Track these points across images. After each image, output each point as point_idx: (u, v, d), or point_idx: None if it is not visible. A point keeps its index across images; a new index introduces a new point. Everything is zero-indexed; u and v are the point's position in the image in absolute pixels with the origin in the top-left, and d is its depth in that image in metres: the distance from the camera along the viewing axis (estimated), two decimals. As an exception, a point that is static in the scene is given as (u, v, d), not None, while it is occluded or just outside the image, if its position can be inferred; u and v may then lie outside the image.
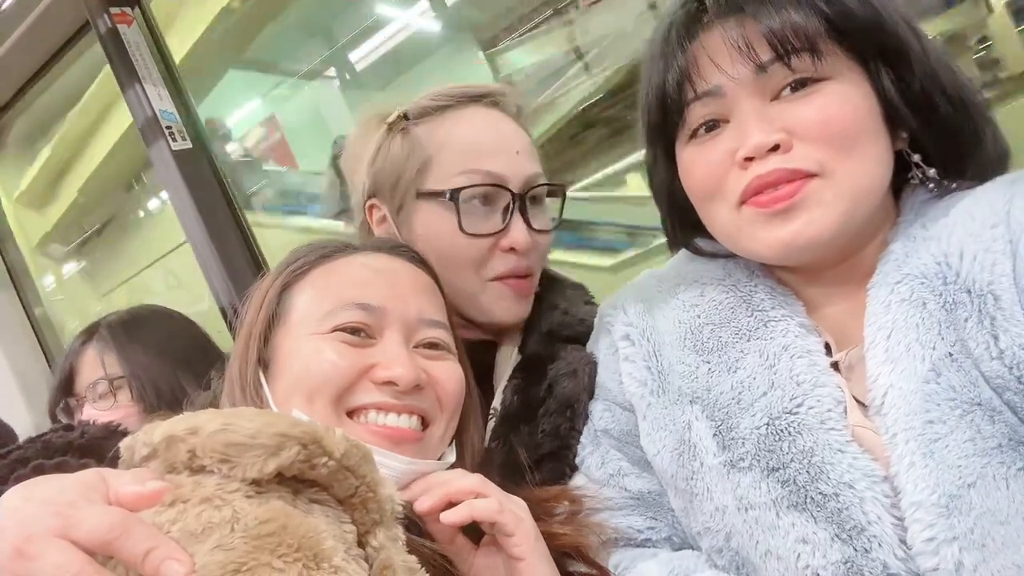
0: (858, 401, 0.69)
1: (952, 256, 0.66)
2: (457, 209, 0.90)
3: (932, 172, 0.72)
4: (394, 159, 0.94)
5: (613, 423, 0.85)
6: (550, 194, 0.99)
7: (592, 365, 0.90)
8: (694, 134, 0.74)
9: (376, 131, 0.97)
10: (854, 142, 0.67)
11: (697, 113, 0.72)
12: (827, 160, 0.67)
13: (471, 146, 0.93)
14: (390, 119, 0.96)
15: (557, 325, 0.98)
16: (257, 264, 1.71)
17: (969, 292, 0.64)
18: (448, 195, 0.91)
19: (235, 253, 1.66)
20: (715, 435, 0.73)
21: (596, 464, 0.86)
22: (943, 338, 0.64)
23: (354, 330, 0.73)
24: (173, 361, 1.28)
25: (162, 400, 1.23)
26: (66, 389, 1.28)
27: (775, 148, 0.67)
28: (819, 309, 0.76)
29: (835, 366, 0.71)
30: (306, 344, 0.73)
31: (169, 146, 1.63)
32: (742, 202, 0.70)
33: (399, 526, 0.58)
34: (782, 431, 0.69)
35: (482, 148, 0.93)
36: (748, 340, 0.75)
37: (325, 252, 0.80)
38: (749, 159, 0.68)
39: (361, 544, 0.55)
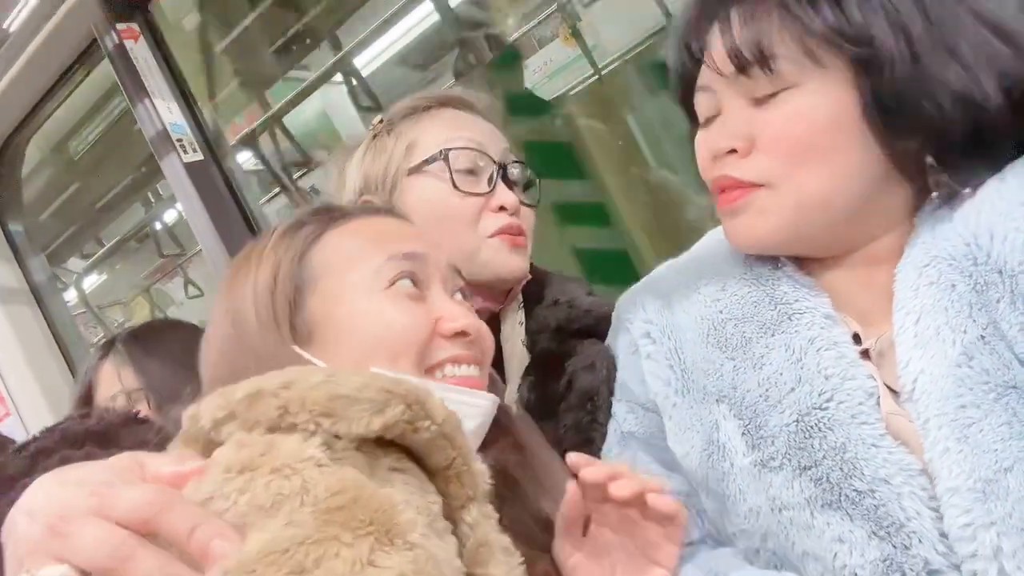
0: (891, 389, 0.68)
1: (982, 236, 0.66)
2: (449, 168, 0.95)
3: (944, 177, 0.71)
4: (382, 152, 1.01)
5: (638, 425, 0.84)
6: (526, 186, 1.05)
7: (610, 359, 0.90)
8: (704, 122, 0.77)
9: (348, 158, 1.05)
10: (807, 154, 0.69)
11: (701, 105, 0.76)
12: (774, 172, 0.70)
13: (452, 123, 1.01)
14: (373, 125, 1.03)
15: (565, 320, 0.99)
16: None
17: (1000, 272, 0.64)
18: (440, 154, 0.96)
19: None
20: (744, 434, 0.71)
21: None
22: (975, 320, 0.64)
23: (413, 281, 0.72)
24: (189, 371, 1.29)
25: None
26: (86, 403, 1.30)
27: (733, 151, 0.71)
28: (845, 296, 0.74)
29: (866, 354, 0.70)
30: (370, 303, 0.70)
31: (180, 158, 1.64)
32: (715, 192, 0.75)
33: (490, 504, 0.56)
34: (812, 427, 0.67)
35: (462, 124, 1.01)
36: (773, 335, 0.73)
37: (334, 215, 0.78)
38: (716, 158, 0.73)
39: (453, 520, 0.53)
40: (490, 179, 0.97)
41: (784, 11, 0.68)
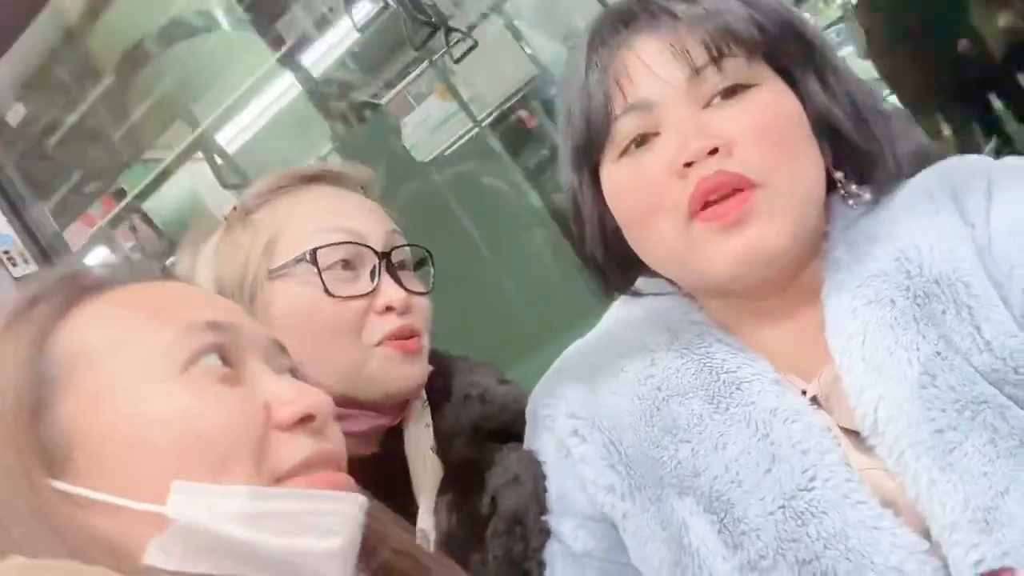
0: (849, 432, 0.61)
1: (908, 250, 0.63)
2: (318, 270, 0.79)
3: (854, 187, 0.69)
4: (237, 248, 0.84)
5: (593, 542, 0.70)
6: (417, 265, 0.91)
7: (536, 465, 0.77)
8: (624, 151, 0.68)
9: (197, 254, 0.87)
10: (793, 148, 0.65)
11: (626, 127, 0.67)
12: (767, 167, 0.63)
13: (322, 209, 0.85)
14: (225, 214, 0.86)
15: (479, 418, 0.85)
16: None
17: (938, 283, 0.61)
18: (307, 256, 0.80)
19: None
20: (720, 532, 0.61)
21: None
22: (924, 336, 0.60)
23: (222, 357, 0.52)
24: None
25: None
26: None
27: (714, 152, 0.63)
28: (779, 352, 0.67)
29: (814, 400, 0.64)
30: (158, 399, 0.49)
31: (10, 273, 1.41)
32: (692, 215, 0.64)
33: None
34: (803, 513, 0.58)
35: (333, 209, 0.85)
36: (727, 408, 0.65)
37: (87, 283, 0.56)
38: (688, 164, 0.63)
39: None
40: (372, 273, 0.82)
41: (744, 10, 0.66)
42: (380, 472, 0.85)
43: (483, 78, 3.12)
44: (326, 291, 0.79)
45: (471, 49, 2.55)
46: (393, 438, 0.86)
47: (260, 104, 2.61)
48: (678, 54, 0.65)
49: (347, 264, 0.82)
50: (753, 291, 0.68)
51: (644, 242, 0.70)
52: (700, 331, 0.71)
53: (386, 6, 2.46)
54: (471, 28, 2.96)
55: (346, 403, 0.81)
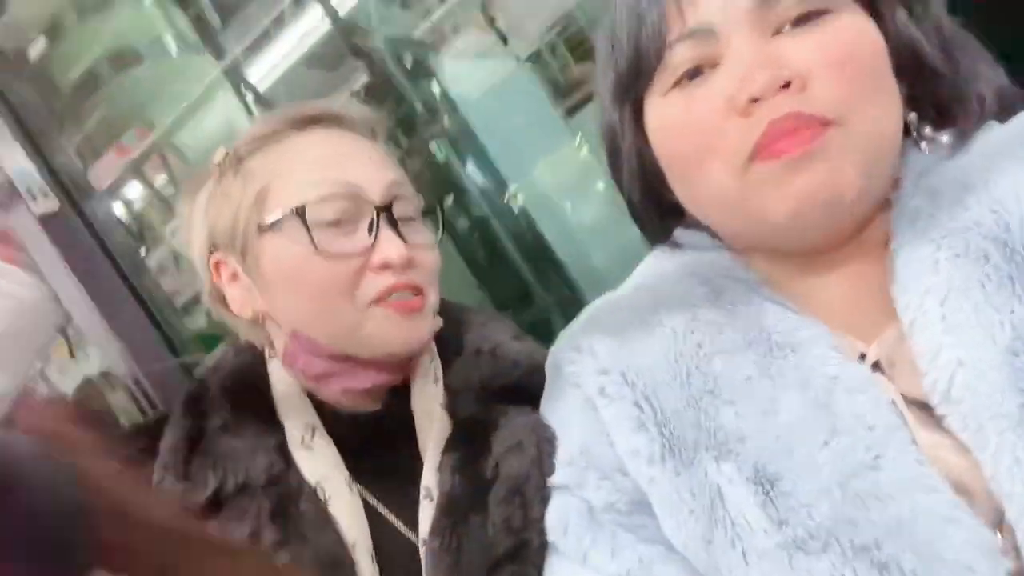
0: (912, 403, 0.56)
1: (1008, 200, 0.57)
2: (306, 227, 0.76)
3: (929, 130, 0.64)
4: (228, 198, 0.80)
5: (617, 495, 0.65)
6: (425, 213, 0.86)
7: (543, 431, 0.73)
8: (676, 83, 0.62)
9: (193, 201, 0.85)
10: (874, 84, 0.59)
11: (681, 56, 0.61)
12: (845, 104, 0.57)
13: (315, 159, 0.80)
14: (217, 159, 0.83)
15: (489, 375, 0.82)
16: (160, 330, 1.48)
17: None
18: (293, 211, 0.76)
19: (129, 322, 1.43)
20: (764, 505, 0.55)
21: (605, 558, 0.65)
22: (1021, 299, 0.54)
23: None
24: None
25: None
26: None
27: (786, 86, 0.57)
28: (824, 302, 0.63)
29: (874, 367, 0.59)
30: None
31: (30, 209, 1.37)
32: (752, 158, 0.58)
33: None
34: (865, 495, 0.53)
35: (327, 159, 0.80)
36: (780, 372, 0.59)
37: None
38: (754, 101, 0.57)
39: None
40: (370, 227, 0.77)
41: None
42: (384, 429, 0.82)
43: (523, 8, 2.98)
44: (315, 249, 0.74)
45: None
46: (399, 393, 0.83)
47: (290, 39, 2.52)
48: None
49: (340, 219, 0.76)
50: (811, 243, 0.62)
51: (690, 187, 0.65)
52: (747, 288, 0.66)
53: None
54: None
55: (345, 359, 0.77)
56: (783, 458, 0.56)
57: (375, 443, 0.81)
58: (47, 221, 1.39)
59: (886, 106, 0.60)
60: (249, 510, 0.74)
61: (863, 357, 0.60)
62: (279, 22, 2.46)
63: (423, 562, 0.72)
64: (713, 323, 0.64)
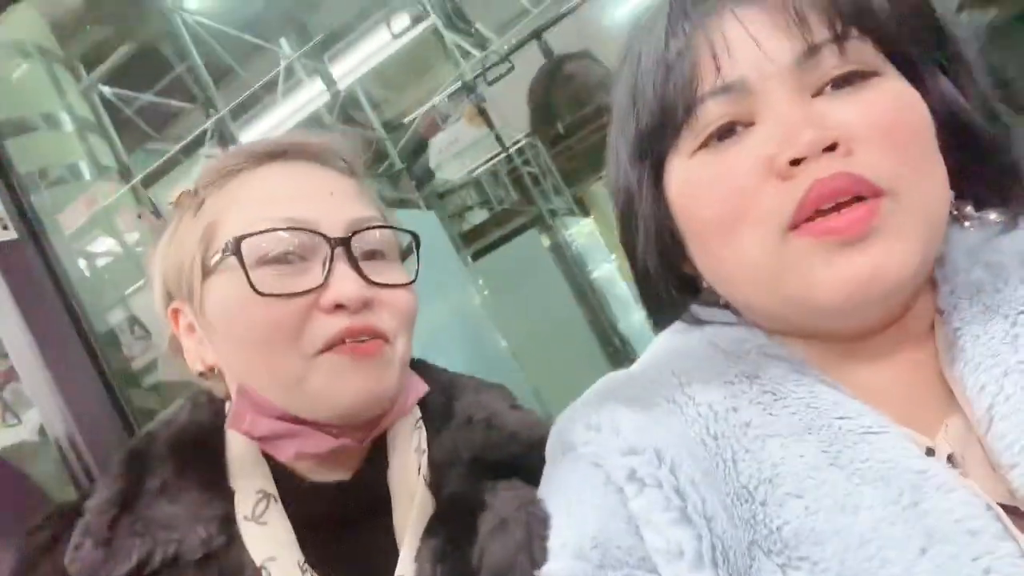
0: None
1: None
2: (242, 264, 0.66)
3: (970, 208, 0.60)
4: (181, 241, 0.73)
5: None
6: (404, 255, 0.76)
7: (532, 508, 0.62)
8: (704, 143, 0.57)
9: (155, 249, 0.76)
10: (923, 154, 0.54)
11: (713, 112, 0.56)
12: (896, 174, 0.52)
13: (265, 194, 0.71)
14: (174, 198, 0.76)
15: (481, 447, 0.71)
16: (111, 392, 1.33)
17: None
18: (227, 246, 0.67)
19: (78, 378, 1.28)
20: None
21: None
22: None
23: None
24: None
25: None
26: None
27: (831, 149, 0.51)
28: (872, 392, 0.56)
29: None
30: None
31: (-12, 239, 1.25)
32: (793, 226, 0.52)
33: None
34: None
35: (278, 193, 0.71)
36: (851, 463, 0.51)
37: None
38: (796, 162, 0.52)
39: None
40: (324, 261, 0.67)
41: None
42: (352, 503, 0.70)
43: (512, 105, 3.03)
44: (251, 287, 0.65)
45: (507, 72, 2.44)
46: (373, 462, 0.72)
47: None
48: (793, 25, 0.54)
49: (287, 256, 0.67)
50: (856, 328, 0.56)
51: (717, 258, 0.58)
52: (791, 368, 0.58)
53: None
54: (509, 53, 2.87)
55: (295, 420, 0.67)
56: (876, 567, 0.47)
57: (341, 519, 0.70)
58: (2, 249, 1.27)
59: (936, 178, 0.55)
60: None
61: (930, 452, 0.53)
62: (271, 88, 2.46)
63: None
64: (758, 402, 0.56)
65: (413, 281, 0.73)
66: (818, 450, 0.52)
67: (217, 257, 0.68)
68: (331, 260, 0.67)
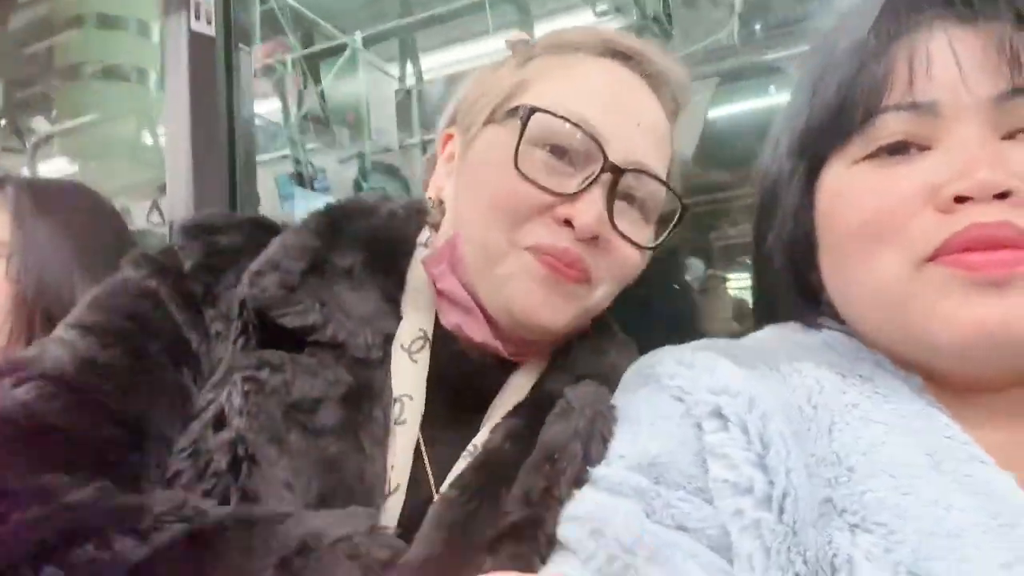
0: None
1: None
2: (522, 132, 0.65)
3: None
4: (495, 79, 0.72)
5: (697, 517, 0.51)
6: (663, 219, 0.72)
7: (601, 404, 0.61)
8: (873, 154, 0.55)
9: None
10: None
11: (892, 127, 0.54)
12: None
13: (581, 87, 0.69)
14: (513, 39, 0.75)
15: (595, 372, 0.69)
16: (232, 198, 1.42)
17: None
18: (521, 111, 0.66)
19: (211, 172, 1.38)
20: None
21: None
22: None
23: None
24: (75, 252, 1.05)
25: (42, 294, 1.01)
26: None
27: (1002, 196, 0.49)
28: (983, 444, 0.53)
29: None
30: None
31: (188, 23, 1.36)
32: (932, 258, 0.51)
33: None
34: None
35: (592, 94, 0.68)
36: (953, 471, 0.49)
37: None
38: (962, 200, 0.50)
39: None
40: (588, 178, 0.65)
41: None
42: (478, 383, 0.71)
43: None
44: (515, 160, 0.65)
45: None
46: (509, 363, 0.72)
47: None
48: (1004, 57, 0.51)
49: (566, 152, 0.66)
50: (972, 376, 0.53)
51: (850, 271, 0.56)
52: (906, 385, 0.56)
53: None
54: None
55: (474, 299, 0.68)
56: (953, 558, 0.45)
57: (460, 388, 0.70)
58: (196, 41, 1.38)
59: None
60: (324, 373, 0.64)
61: None
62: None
63: (428, 515, 0.60)
64: (868, 396, 0.54)
65: (651, 249, 0.71)
66: (921, 451, 0.51)
67: (507, 112, 0.69)
68: (593, 180, 0.65)
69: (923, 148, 0.54)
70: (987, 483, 0.49)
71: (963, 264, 0.49)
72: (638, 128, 0.68)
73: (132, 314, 0.65)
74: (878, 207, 0.54)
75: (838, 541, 0.47)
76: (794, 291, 0.64)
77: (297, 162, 3.15)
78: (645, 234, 0.71)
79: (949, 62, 0.53)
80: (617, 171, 0.66)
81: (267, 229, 0.73)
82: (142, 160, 3.28)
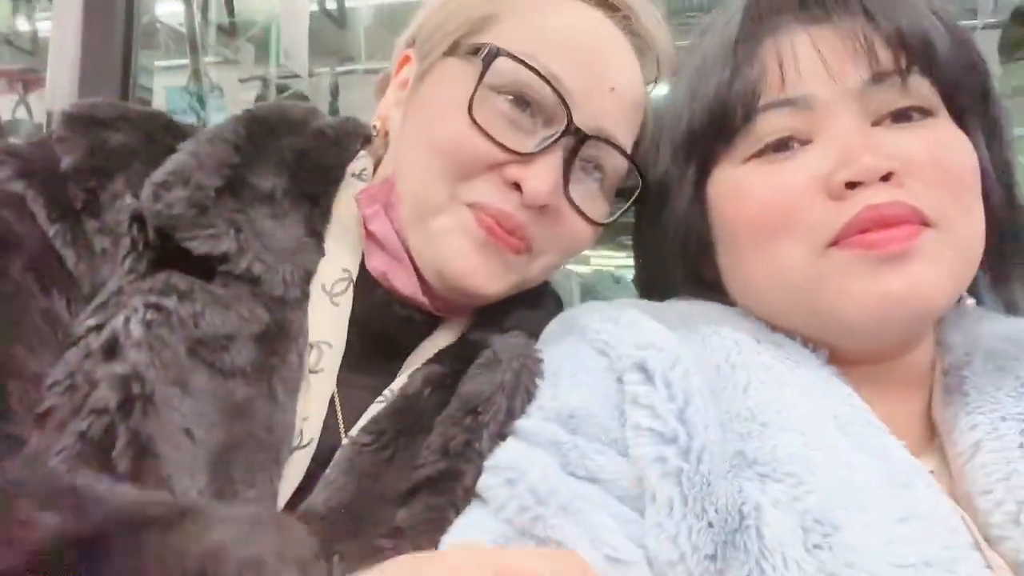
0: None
1: None
2: (481, 75, 0.60)
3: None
4: (460, 5, 0.66)
5: (611, 470, 0.52)
6: (620, 192, 0.68)
7: (526, 359, 0.59)
8: (758, 153, 0.58)
9: None
10: (971, 195, 0.56)
11: (771, 125, 0.57)
12: (945, 208, 0.54)
13: (557, 36, 0.63)
14: None
15: (524, 326, 0.66)
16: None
17: None
18: (483, 52, 0.61)
19: (103, 71, 1.25)
20: (816, 549, 0.47)
21: (570, 534, 0.51)
22: None
23: None
24: None
25: None
26: None
27: (887, 177, 0.53)
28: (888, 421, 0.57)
29: None
30: None
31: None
32: (833, 243, 0.54)
33: None
34: None
35: (568, 47, 0.62)
36: (857, 434, 0.53)
37: None
38: (852, 185, 0.53)
39: None
40: (547, 139, 0.61)
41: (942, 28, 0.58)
42: (399, 328, 0.66)
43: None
44: (469, 106, 0.59)
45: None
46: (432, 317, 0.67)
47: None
48: (862, 51, 0.55)
49: (527, 103, 0.61)
50: (874, 349, 0.58)
51: (750, 265, 0.59)
52: (812, 357, 0.58)
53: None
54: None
55: (403, 250, 0.63)
56: (854, 510, 0.48)
57: (380, 334, 0.65)
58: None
59: (978, 222, 0.57)
60: (237, 307, 0.57)
61: None
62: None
63: (336, 459, 0.57)
64: (781, 361, 0.56)
65: (603, 225, 0.67)
66: (829, 413, 0.54)
67: (469, 49, 0.63)
68: (553, 143, 0.60)
69: (804, 142, 0.57)
70: (883, 447, 0.53)
71: (864, 244, 0.53)
72: (611, 93, 0.64)
73: None
74: (773, 201, 0.56)
75: (747, 490, 0.49)
76: (689, 282, 0.66)
77: (196, 73, 2.92)
78: (601, 208, 0.67)
79: (814, 58, 0.56)
80: (581, 137, 0.62)
81: (171, 131, 0.63)
82: (15, 46, 2.95)
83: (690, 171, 0.63)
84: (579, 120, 0.61)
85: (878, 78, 0.55)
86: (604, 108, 0.63)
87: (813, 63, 0.56)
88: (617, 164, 0.65)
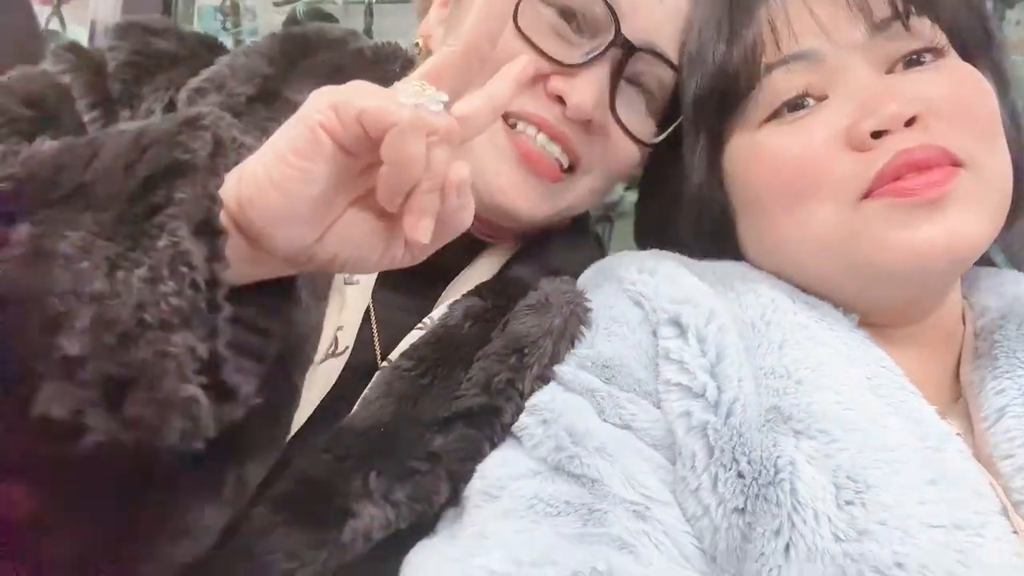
0: None
1: None
2: None
3: None
4: None
5: (644, 419, 0.53)
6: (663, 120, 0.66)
7: (576, 307, 0.60)
8: (774, 114, 0.58)
9: None
10: (995, 132, 0.56)
11: (781, 85, 0.57)
12: (973, 147, 0.53)
13: None
14: None
15: (568, 268, 0.66)
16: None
17: None
18: None
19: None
20: (849, 505, 0.47)
21: (607, 473, 0.52)
22: None
23: None
24: None
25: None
26: None
27: (911, 122, 0.53)
28: (922, 384, 0.57)
29: None
30: None
31: None
32: (866, 195, 0.53)
33: None
34: (963, 552, 0.46)
35: None
36: (889, 397, 0.53)
37: None
38: (878, 135, 0.52)
39: None
40: (594, 51, 0.60)
41: None
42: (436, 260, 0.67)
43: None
44: (515, 16, 0.58)
45: None
46: (465, 249, 0.68)
47: None
48: (855, 4, 0.55)
49: (574, 16, 0.59)
50: (911, 299, 0.58)
51: (779, 230, 0.58)
52: (844, 319, 0.58)
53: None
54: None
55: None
56: (887, 473, 0.48)
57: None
58: None
59: (1005, 158, 0.56)
60: None
61: None
62: None
63: (376, 381, 0.58)
64: (816, 322, 0.56)
65: (650, 145, 0.66)
66: (862, 375, 0.54)
67: None
68: (600, 55, 0.59)
69: (820, 98, 0.56)
70: (915, 410, 0.53)
71: (899, 191, 0.52)
72: (660, 4, 0.62)
73: (32, 102, 0.57)
74: (795, 161, 0.56)
75: (782, 445, 0.50)
76: (712, 252, 0.65)
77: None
78: (648, 127, 0.66)
79: (807, 16, 0.56)
80: (629, 49, 0.60)
81: (211, 48, 0.65)
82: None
83: (701, 141, 0.62)
84: (628, 32, 0.59)
85: (881, 26, 0.55)
86: (653, 19, 0.62)
87: (807, 19, 0.56)
88: (665, 80, 0.64)
